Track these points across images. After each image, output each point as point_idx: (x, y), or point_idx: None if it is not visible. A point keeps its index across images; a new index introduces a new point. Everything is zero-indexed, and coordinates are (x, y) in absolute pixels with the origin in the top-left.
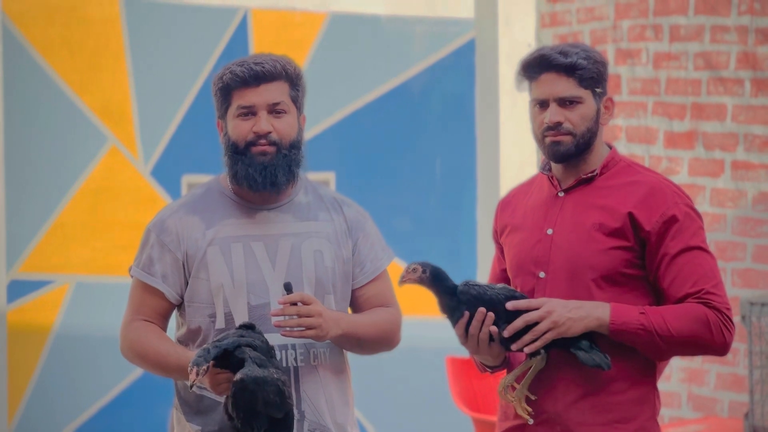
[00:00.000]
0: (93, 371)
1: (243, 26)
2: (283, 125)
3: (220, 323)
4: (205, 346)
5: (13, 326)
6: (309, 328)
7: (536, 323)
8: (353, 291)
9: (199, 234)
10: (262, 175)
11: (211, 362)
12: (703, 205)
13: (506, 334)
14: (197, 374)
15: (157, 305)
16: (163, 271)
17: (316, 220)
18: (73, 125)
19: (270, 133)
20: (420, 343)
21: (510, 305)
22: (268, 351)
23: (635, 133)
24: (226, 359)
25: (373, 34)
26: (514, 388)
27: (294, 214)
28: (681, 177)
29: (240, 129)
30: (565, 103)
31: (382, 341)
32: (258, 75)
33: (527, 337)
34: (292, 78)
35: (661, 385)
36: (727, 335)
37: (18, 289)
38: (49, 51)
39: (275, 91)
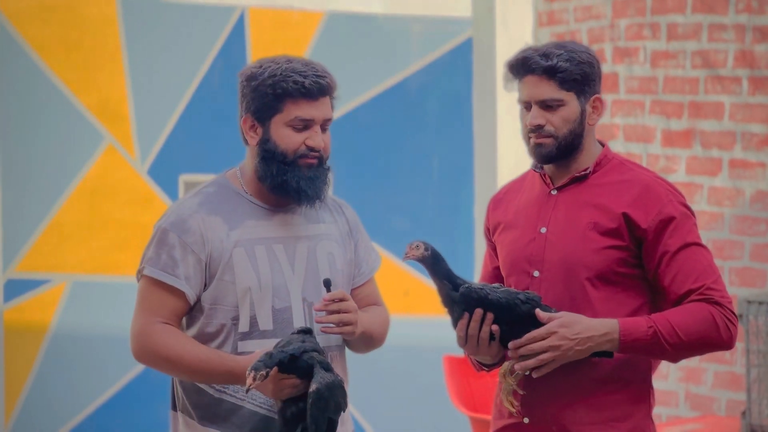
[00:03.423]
0: (90, 370)
1: (240, 25)
2: (328, 140)
3: (243, 326)
4: (267, 351)
5: (10, 325)
6: (347, 324)
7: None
8: (351, 291)
9: (223, 235)
10: (312, 188)
11: (274, 368)
12: (700, 204)
13: (511, 347)
14: (254, 379)
15: (177, 307)
16: (187, 272)
17: (323, 223)
18: (70, 124)
19: (322, 148)
20: (417, 342)
21: (512, 344)
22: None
23: (633, 131)
24: (292, 364)
25: (371, 33)
26: (513, 373)
27: (305, 217)
28: (678, 176)
29: (293, 140)
30: (547, 105)
31: (380, 339)
32: (322, 89)
33: (531, 363)
34: (334, 92)
35: (659, 383)
36: (732, 330)
37: (15, 288)
38: (46, 50)
39: (328, 107)
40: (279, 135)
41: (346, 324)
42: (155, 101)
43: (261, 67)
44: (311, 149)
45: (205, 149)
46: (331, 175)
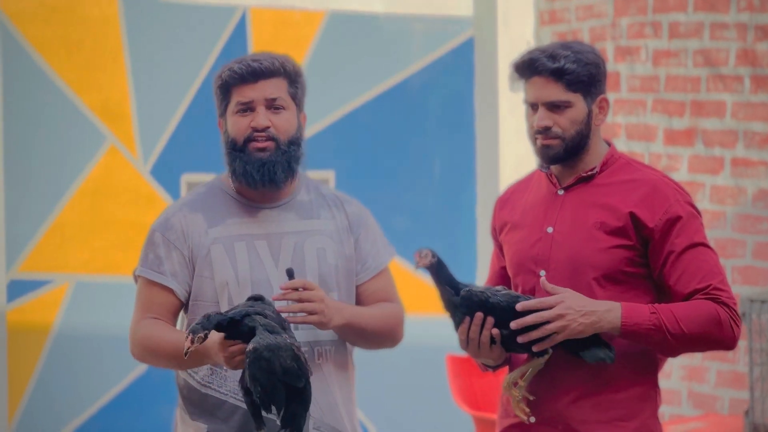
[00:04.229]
0: (93, 371)
1: (242, 25)
2: (281, 121)
3: None
4: (206, 313)
5: (13, 326)
6: (311, 313)
7: (546, 322)
8: (356, 287)
9: (202, 231)
10: (260, 172)
11: (221, 335)
12: (702, 203)
13: (513, 326)
14: (192, 342)
15: (167, 302)
16: (172, 269)
17: (318, 218)
18: (72, 125)
19: (268, 128)
20: (420, 341)
21: (520, 306)
22: (280, 322)
23: (635, 130)
24: (236, 330)
25: (372, 32)
26: (517, 384)
27: (296, 213)
28: (681, 174)
29: (239, 125)
30: (554, 107)
31: (386, 334)
32: (256, 71)
33: (535, 333)
34: (290, 75)
35: (662, 382)
36: (736, 330)
37: (17, 288)
38: (48, 50)
39: (273, 87)
40: (230, 124)
41: (310, 313)
42: (157, 101)
43: (219, 70)
44: (257, 130)
45: (207, 149)
46: (298, 160)
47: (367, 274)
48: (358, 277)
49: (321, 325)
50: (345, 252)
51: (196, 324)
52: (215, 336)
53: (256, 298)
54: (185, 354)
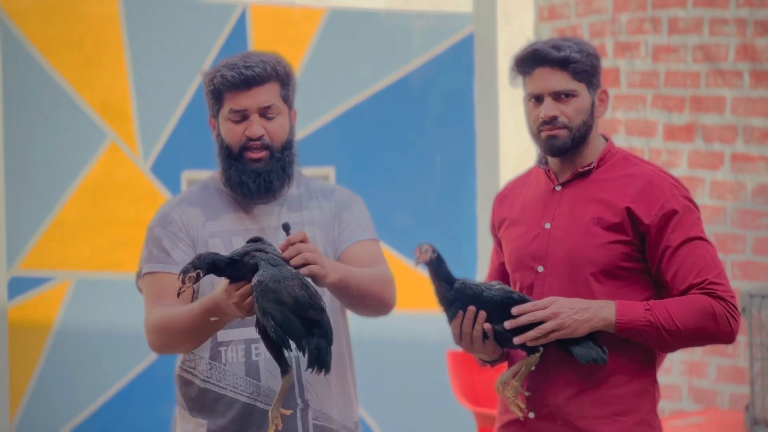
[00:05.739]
0: (94, 368)
1: (242, 22)
2: (275, 128)
3: None
4: (199, 254)
5: (14, 323)
6: (312, 263)
7: (541, 321)
8: (339, 257)
9: (200, 225)
10: (255, 182)
11: (225, 281)
12: (702, 198)
13: (507, 326)
14: (183, 282)
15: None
16: (181, 257)
17: (306, 209)
18: (73, 122)
19: (262, 136)
20: (421, 337)
21: (515, 310)
22: (282, 260)
23: (634, 126)
24: (239, 271)
25: (372, 29)
26: (510, 384)
27: (287, 207)
28: (680, 170)
29: (233, 133)
30: (560, 96)
31: (379, 295)
32: (248, 79)
33: (531, 333)
34: (282, 78)
35: (662, 377)
36: (733, 324)
37: (18, 286)
38: (48, 48)
39: (266, 95)
40: (224, 129)
41: (311, 263)
42: (158, 98)
43: (210, 70)
44: (251, 139)
45: (207, 146)
46: (291, 163)
47: (343, 243)
48: (338, 246)
49: (319, 276)
50: (333, 238)
51: (188, 264)
52: (220, 285)
53: (255, 240)
54: (177, 295)
